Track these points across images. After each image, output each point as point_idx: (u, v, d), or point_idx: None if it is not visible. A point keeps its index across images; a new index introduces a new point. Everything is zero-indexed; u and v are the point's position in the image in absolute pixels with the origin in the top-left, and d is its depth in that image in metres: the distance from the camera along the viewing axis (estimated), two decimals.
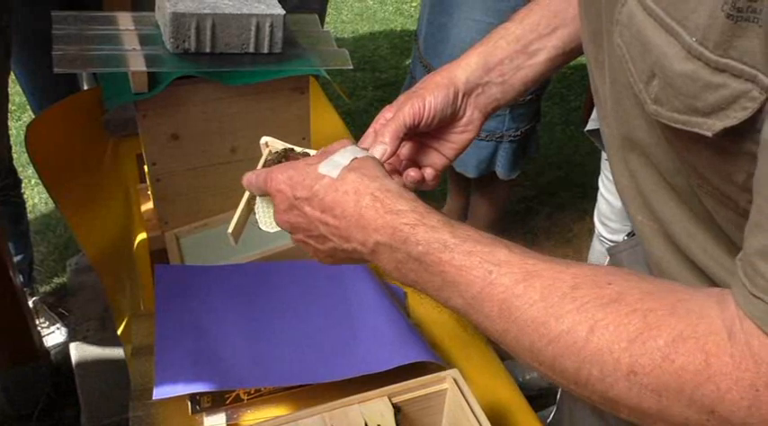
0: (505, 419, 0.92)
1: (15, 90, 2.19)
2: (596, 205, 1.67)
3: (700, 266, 0.57)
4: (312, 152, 0.73)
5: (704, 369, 0.42)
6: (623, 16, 0.46)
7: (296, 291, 1.04)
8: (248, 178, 0.70)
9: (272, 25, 1.05)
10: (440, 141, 0.77)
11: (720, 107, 0.41)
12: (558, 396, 0.99)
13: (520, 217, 2.58)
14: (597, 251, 1.69)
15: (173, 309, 0.99)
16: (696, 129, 0.43)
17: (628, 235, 0.89)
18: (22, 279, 1.82)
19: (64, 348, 1.94)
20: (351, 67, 1.13)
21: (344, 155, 0.62)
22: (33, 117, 1.92)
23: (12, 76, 1.75)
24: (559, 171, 2.81)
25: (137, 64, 1.02)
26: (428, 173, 0.76)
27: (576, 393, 0.48)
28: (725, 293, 0.44)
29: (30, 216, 2.21)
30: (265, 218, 0.72)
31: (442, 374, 0.77)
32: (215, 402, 0.89)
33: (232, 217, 0.73)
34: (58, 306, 2.09)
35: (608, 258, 0.87)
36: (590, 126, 1.45)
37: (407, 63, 3.35)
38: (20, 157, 2.38)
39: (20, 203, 1.93)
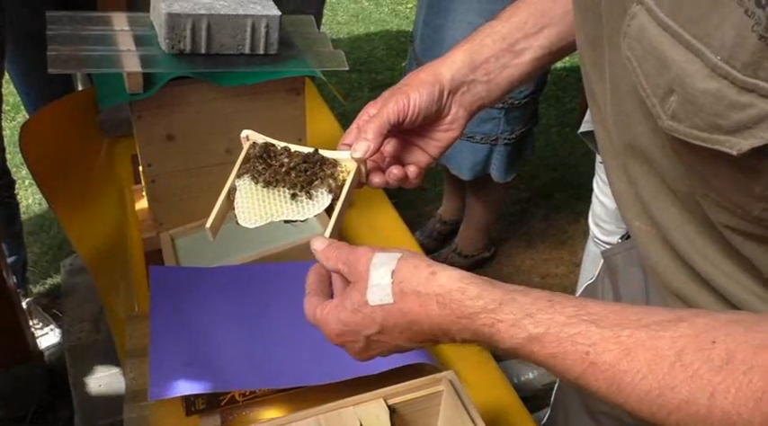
0: (501, 420, 0.92)
1: (9, 90, 2.18)
2: (591, 207, 1.67)
3: (699, 272, 0.56)
4: (293, 147, 0.72)
5: None
6: (632, 29, 0.45)
7: (291, 293, 1.03)
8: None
9: (267, 26, 1.05)
10: (424, 139, 0.76)
11: (746, 126, 0.40)
12: (553, 398, 0.99)
13: (515, 219, 2.58)
14: (592, 252, 1.69)
15: (167, 311, 0.98)
16: (718, 147, 0.42)
17: (622, 238, 0.89)
18: (15, 281, 1.81)
19: (58, 349, 1.93)
20: (346, 69, 1.13)
21: (380, 272, 0.57)
22: (27, 117, 1.92)
23: (6, 76, 1.74)
24: (555, 173, 2.82)
25: (132, 64, 1.01)
26: (411, 170, 0.74)
27: None
28: None
29: (23, 216, 2.20)
30: (245, 213, 0.70)
31: (438, 376, 0.77)
32: (210, 403, 0.89)
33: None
34: (52, 308, 2.08)
35: (602, 261, 0.88)
36: (583, 128, 1.45)
37: (403, 64, 3.36)
38: (14, 158, 2.38)
39: (13, 204, 1.92)
